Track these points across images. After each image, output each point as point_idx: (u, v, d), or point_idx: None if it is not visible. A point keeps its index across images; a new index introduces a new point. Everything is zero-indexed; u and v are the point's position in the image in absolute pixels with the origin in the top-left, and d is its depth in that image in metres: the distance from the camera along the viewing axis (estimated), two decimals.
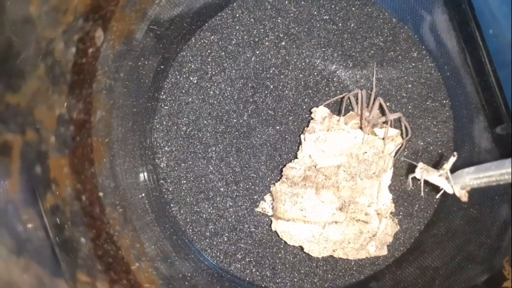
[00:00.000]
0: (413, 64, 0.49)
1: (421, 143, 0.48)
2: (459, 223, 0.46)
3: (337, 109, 0.47)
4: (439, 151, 0.49)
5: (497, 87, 0.46)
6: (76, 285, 0.24)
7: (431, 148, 0.49)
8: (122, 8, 0.31)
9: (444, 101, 0.49)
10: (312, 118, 0.45)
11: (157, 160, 0.46)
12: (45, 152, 0.25)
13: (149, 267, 0.35)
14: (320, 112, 0.44)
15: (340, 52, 0.48)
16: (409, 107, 0.48)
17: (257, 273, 0.47)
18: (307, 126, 0.45)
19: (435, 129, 0.49)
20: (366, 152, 0.42)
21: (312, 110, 0.45)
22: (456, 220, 0.47)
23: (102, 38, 0.30)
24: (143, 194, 0.45)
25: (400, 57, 0.48)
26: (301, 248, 0.44)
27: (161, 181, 0.46)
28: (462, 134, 0.48)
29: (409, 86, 0.48)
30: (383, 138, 0.43)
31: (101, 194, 0.30)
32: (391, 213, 0.46)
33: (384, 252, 0.45)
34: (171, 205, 0.46)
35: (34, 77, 0.24)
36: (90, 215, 0.28)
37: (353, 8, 0.48)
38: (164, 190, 0.46)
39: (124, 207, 0.35)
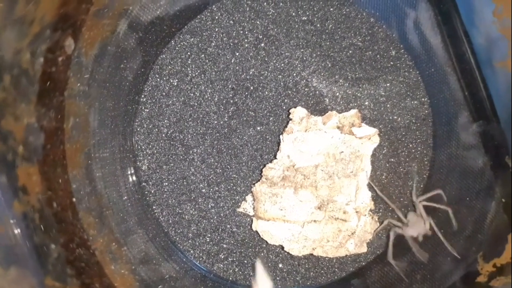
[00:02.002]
0: (392, 62, 0.49)
1: (400, 141, 0.49)
2: (438, 219, 0.47)
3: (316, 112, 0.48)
4: (418, 148, 0.49)
5: (482, 84, 0.46)
6: None
7: (410, 145, 0.49)
8: (94, 16, 0.32)
9: (423, 99, 0.49)
10: (290, 119, 0.45)
11: (138, 163, 0.47)
12: (12, 161, 0.25)
13: (126, 269, 0.36)
14: (298, 112, 0.45)
15: (318, 53, 0.48)
16: (388, 105, 0.49)
17: (240, 272, 0.47)
18: (286, 127, 0.45)
19: (414, 127, 0.49)
20: (343, 152, 0.43)
21: (290, 111, 0.46)
22: (436, 216, 0.48)
23: (72, 46, 0.31)
24: (125, 197, 0.45)
25: (378, 56, 0.49)
26: (282, 247, 0.45)
27: (143, 184, 0.47)
28: (447, 130, 0.49)
29: (388, 84, 0.49)
30: (360, 138, 0.44)
31: (74, 199, 0.30)
32: (370, 210, 0.46)
33: (364, 249, 0.45)
34: (153, 207, 0.47)
35: None
36: (62, 221, 0.29)
37: (331, 9, 0.48)
38: (146, 192, 0.47)
39: (102, 212, 0.35)
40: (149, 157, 0.47)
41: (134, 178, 0.45)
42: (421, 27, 0.49)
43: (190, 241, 0.47)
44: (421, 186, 0.50)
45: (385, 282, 0.47)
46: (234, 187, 0.48)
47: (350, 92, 0.49)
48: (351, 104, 0.49)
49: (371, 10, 0.49)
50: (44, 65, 0.28)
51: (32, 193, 0.27)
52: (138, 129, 0.47)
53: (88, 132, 0.35)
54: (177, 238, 0.47)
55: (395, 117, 0.49)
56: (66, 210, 0.30)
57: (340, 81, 0.49)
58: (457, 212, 0.46)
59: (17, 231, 0.23)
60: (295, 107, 0.46)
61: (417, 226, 0.44)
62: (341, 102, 0.49)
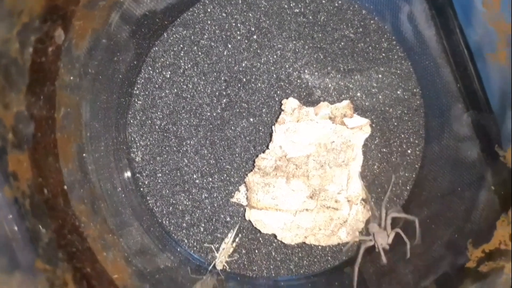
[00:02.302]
0: (383, 54, 0.50)
1: (392, 132, 0.49)
2: (430, 208, 0.48)
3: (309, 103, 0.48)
4: (410, 139, 0.50)
5: (475, 76, 0.47)
6: (35, 274, 0.26)
7: (402, 136, 0.50)
8: (84, 7, 0.32)
9: (414, 90, 0.50)
10: (282, 110, 0.46)
11: (132, 155, 0.47)
12: (3, 148, 0.26)
13: (118, 257, 0.36)
14: (290, 103, 0.45)
15: (311, 45, 0.49)
16: (380, 97, 0.49)
17: (234, 261, 0.48)
18: (279, 118, 0.46)
19: (406, 118, 0.50)
20: (334, 142, 0.44)
21: (282, 102, 0.46)
22: (427, 205, 0.48)
23: (63, 37, 0.31)
24: (119, 189, 0.46)
25: (370, 47, 0.49)
26: (274, 236, 0.45)
27: (137, 175, 0.47)
28: (441, 122, 0.49)
29: (380, 76, 0.49)
30: (352, 128, 0.44)
31: (65, 187, 0.31)
32: (362, 199, 0.47)
33: (356, 238, 0.46)
34: (147, 198, 0.48)
35: None
36: (53, 208, 0.30)
37: (323, 1, 0.49)
38: (140, 183, 0.47)
39: (95, 202, 0.36)
40: (142, 149, 0.48)
41: (128, 169, 0.46)
42: (415, 20, 0.49)
43: (184, 231, 0.47)
44: (413, 176, 0.50)
45: (378, 270, 0.47)
46: (227, 178, 0.48)
47: (342, 84, 0.49)
48: (343, 96, 0.49)
49: (365, 3, 0.49)
50: (34, 55, 0.29)
51: (22, 179, 0.27)
52: (132, 121, 0.48)
53: (81, 124, 0.35)
54: (172, 228, 0.47)
55: (387, 108, 0.49)
56: (57, 197, 0.30)
57: (332, 72, 0.49)
58: (449, 203, 0.46)
59: (9, 216, 0.24)
60: (287, 99, 0.46)
61: (378, 237, 0.44)
62: (333, 94, 0.49)
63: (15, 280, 0.24)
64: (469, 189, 0.46)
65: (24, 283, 0.24)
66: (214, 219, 0.48)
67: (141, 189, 0.47)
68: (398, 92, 0.50)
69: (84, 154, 0.36)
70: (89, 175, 0.36)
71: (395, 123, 0.50)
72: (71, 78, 0.33)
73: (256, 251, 0.48)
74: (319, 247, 0.49)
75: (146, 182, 0.48)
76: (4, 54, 0.26)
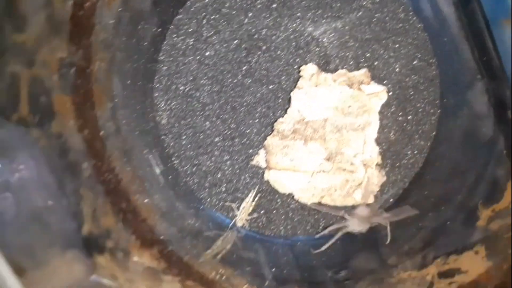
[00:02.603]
0: (400, 24, 0.51)
1: (408, 101, 0.50)
2: (444, 172, 0.49)
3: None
4: (426, 107, 0.51)
5: (491, 43, 0.47)
6: (79, 200, 0.28)
7: (418, 105, 0.51)
8: None
9: (430, 60, 0.51)
10: (301, 76, 0.48)
11: (157, 118, 0.50)
12: (50, 88, 0.29)
13: (149, 200, 0.39)
14: (309, 69, 0.47)
15: (329, 14, 0.50)
16: (396, 66, 0.51)
17: (253, 220, 0.51)
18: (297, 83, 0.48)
19: (422, 87, 0.51)
20: (351, 106, 0.45)
21: (301, 68, 0.48)
22: (441, 170, 0.50)
23: None
24: (147, 149, 0.48)
25: (387, 18, 0.51)
26: (292, 196, 0.48)
27: (163, 137, 0.50)
28: (459, 99, 0.50)
29: (397, 46, 0.51)
30: (368, 94, 0.46)
31: (102, 133, 0.33)
32: (377, 164, 0.49)
33: (371, 200, 0.48)
34: (173, 158, 0.50)
35: (36, 22, 0.28)
36: (92, 147, 0.32)
37: None
38: (165, 145, 0.50)
39: (125, 152, 0.38)
40: (167, 112, 0.50)
41: (154, 131, 0.48)
42: None
43: (207, 190, 0.50)
44: (428, 144, 0.51)
45: (392, 231, 0.49)
46: (247, 142, 0.51)
47: (359, 53, 0.51)
48: (360, 64, 0.51)
49: None
50: (73, 8, 0.31)
51: (66, 118, 0.30)
52: (157, 86, 0.50)
53: (111, 81, 0.38)
54: (195, 187, 0.50)
55: (404, 77, 0.51)
56: (95, 139, 0.33)
57: (350, 41, 0.50)
58: (462, 168, 0.48)
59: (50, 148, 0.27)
60: (306, 65, 0.48)
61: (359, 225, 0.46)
62: (351, 62, 0.51)
63: (64, 201, 0.26)
64: (482, 155, 0.47)
65: (71, 206, 0.27)
66: (234, 180, 0.51)
67: (167, 150, 0.50)
68: (415, 62, 0.51)
69: (114, 109, 0.38)
70: (121, 130, 0.39)
71: (411, 92, 0.51)
72: (104, 35, 0.35)
73: (274, 211, 0.50)
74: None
75: (171, 144, 0.50)
76: (50, 4, 0.29)
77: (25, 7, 0.25)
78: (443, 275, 0.37)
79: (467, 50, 0.48)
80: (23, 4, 0.25)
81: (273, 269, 0.48)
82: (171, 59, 0.50)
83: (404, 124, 0.51)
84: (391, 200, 0.51)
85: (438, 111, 0.51)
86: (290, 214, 0.51)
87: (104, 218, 0.31)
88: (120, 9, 0.36)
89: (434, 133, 0.51)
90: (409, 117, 0.51)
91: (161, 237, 0.36)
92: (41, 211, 0.28)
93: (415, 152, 0.51)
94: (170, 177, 0.48)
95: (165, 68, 0.50)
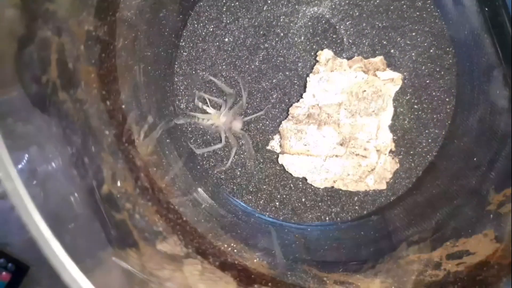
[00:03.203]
0: (418, 13, 0.51)
1: (424, 89, 0.51)
2: (457, 162, 0.49)
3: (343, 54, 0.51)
4: (442, 96, 0.51)
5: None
6: (101, 163, 0.30)
7: (434, 93, 0.51)
8: None
9: (447, 49, 0.51)
10: (317, 61, 0.49)
11: (177, 102, 0.52)
12: (76, 56, 0.30)
13: (167, 177, 0.41)
14: (325, 54, 0.48)
15: (347, 1, 0.51)
16: (413, 54, 0.51)
17: (265, 204, 0.52)
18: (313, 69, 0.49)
19: (438, 76, 0.51)
20: (365, 91, 0.46)
21: (317, 53, 0.49)
22: (455, 159, 0.50)
23: None
24: (165, 134, 0.50)
25: (405, 6, 0.51)
26: (305, 180, 0.49)
27: (181, 121, 0.52)
28: (475, 89, 0.50)
29: (413, 34, 0.51)
30: (383, 80, 0.46)
31: (123, 106, 0.35)
32: (391, 151, 0.49)
33: (383, 186, 0.48)
34: (190, 142, 0.52)
35: None
36: (114, 117, 0.34)
37: None
38: (183, 129, 0.52)
39: (145, 129, 0.40)
40: (187, 97, 0.52)
41: (173, 116, 0.50)
42: None
43: (223, 174, 0.51)
44: (443, 133, 0.52)
45: (401, 219, 0.49)
46: (263, 127, 0.52)
47: (376, 40, 0.51)
48: (377, 52, 0.51)
49: None
50: None
51: (90, 87, 0.32)
52: (178, 71, 0.52)
53: (134, 60, 0.40)
54: (210, 171, 0.51)
55: (420, 65, 0.51)
56: (117, 111, 0.35)
57: (367, 29, 0.51)
58: (475, 156, 0.48)
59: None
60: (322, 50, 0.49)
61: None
62: (367, 49, 0.51)
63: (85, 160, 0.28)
64: (496, 144, 0.47)
65: (91, 166, 0.28)
66: (248, 164, 0.52)
67: (185, 134, 0.51)
68: (431, 51, 0.51)
69: (137, 89, 0.40)
70: (142, 108, 0.40)
71: (427, 81, 0.51)
72: (128, 15, 0.37)
73: (287, 195, 0.51)
74: (348, 196, 0.51)
75: (190, 129, 0.52)
76: None
77: None
78: (451, 256, 0.37)
79: (487, 38, 0.48)
80: None
81: (285, 251, 0.49)
82: (191, 45, 0.52)
83: (419, 112, 0.51)
84: (404, 188, 0.51)
85: (454, 100, 0.51)
86: (303, 200, 0.52)
87: (123, 182, 0.32)
88: None
89: (448, 122, 0.51)
90: (424, 105, 0.51)
91: (176, 208, 0.38)
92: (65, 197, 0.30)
93: (430, 140, 0.52)
94: (187, 159, 0.49)
95: (185, 53, 0.52)
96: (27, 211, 0.18)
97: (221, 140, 0.49)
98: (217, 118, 0.48)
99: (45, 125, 0.26)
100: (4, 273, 0.50)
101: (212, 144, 0.50)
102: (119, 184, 0.30)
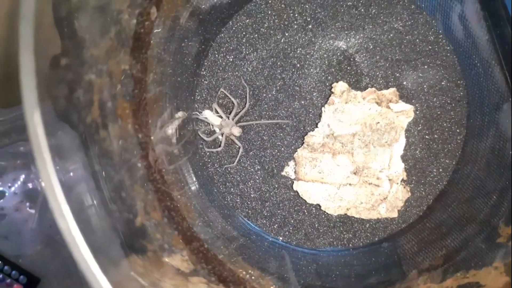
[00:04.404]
0: (430, 47, 0.53)
1: (435, 120, 0.52)
2: (467, 192, 0.51)
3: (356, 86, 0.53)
4: (452, 127, 0.53)
5: None
6: (133, 195, 0.32)
7: (445, 124, 0.53)
8: None
9: (458, 82, 0.53)
10: (332, 92, 0.51)
11: (196, 127, 0.54)
12: (114, 94, 0.33)
13: (188, 202, 0.42)
14: (340, 86, 0.50)
15: (362, 35, 0.53)
16: (425, 86, 0.53)
17: (279, 229, 0.53)
18: (328, 100, 0.51)
19: (449, 107, 0.53)
20: (379, 123, 0.48)
21: (332, 85, 0.51)
22: (465, 188, 0.51)
23: (155, 14, 0.38)
24: (185, 157, 0.52)
25: (417, 40, 0.53)
26: (319, 206, 0.50)
27: (200, 145, 0.54)
28: (486, 120, 0.52)
29: (425, 67, 0.53)
30: (396, 112, 0.48)
31: (152, 138, 0.37)
32: (402, 180, 0.51)
33: (395, 214, 0.50)
34: (208, 166, 0.54)
35: (108, 38, 0.32)
36: (144, 149, 0.36)
37: None
38: (202, 153, 0.54)
39: (169, 156, 0.42)
40: (206, 123, 0.54)
41: (193, 140, 0.52)
42: (466, 19, 0.52)
43: (238, 198, 0.53)
44: (453, 163, 0.53)
45: (414, 246, 0.51)
46: (278, 153, 0.54)
47: (389, 72, 0.53)
48: (390, 84, 0.53)
49: (417, 2, 0.52)
50: (136, 26, 0.35)
51: (125, 122, 0.34)
52: (198, 98, 0.54)
53: (162, 92, 0.42)
54: (226, 195, 0.53)
55: (431, 97, 0.53)
56: (147, 144, 0.37)
57: (381, 61, 0.53)
58: (485, 187, 0.49)
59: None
60: (337, 82, 0.51)
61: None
62: (380, 81, 0.53)
63: (123, 194, 0.30)
64: (506, 175, 0.48)
65: (127, 198, 0.30)
66: (264, 189, 0.54)
67: (203, 159, 0.53)
68: (443, 83, 0.53)
69: (162, 116, 0.42)
70: (168, 136, 0.43)
71: (438, 112, 0.53)
72: (158, 51, 0.39)
73: (301, 221, 0.53)
74: (360, 223, 0.53)
75: (208, 153, 0.54)
76: (119, 22, 0.33)
77: (101, 25, 0.30)
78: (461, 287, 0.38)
79: (497, 71, 0.50)
80: (100, 23, 0.29)
81: (297, 276, 0.50)
82: (212, 73, 0.54)
83: (430, 143, 0.53)
84: (415, 216, 0.53)
85: (464, 131, 0.53)
86: (316, 225, 0.53)
87: (153, 213, 0.34)
88: (171, 27, 0.40)
89: (459, 152, 0.53)
90: (435, 136, 0.53)
91: (199, 235, 0.39)
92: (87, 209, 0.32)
93: (440, 170, 0.53)
94: (204, 184, 0.51)
95: (206, 82, 0.54)
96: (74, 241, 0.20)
97: (220, 145, 0.52)
98: (221, 125, 0.51)
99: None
100: (15, 285, 0.52)
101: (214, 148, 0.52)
102: (150, 215, 0.32)
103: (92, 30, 0.29)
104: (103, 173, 0.29)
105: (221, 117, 0.52)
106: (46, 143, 0.19)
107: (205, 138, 0.51)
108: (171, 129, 0.41)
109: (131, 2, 0.33)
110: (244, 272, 0.40)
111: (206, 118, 0.52)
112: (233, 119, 0.51)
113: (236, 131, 0.51)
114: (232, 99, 0.52)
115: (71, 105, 0.27)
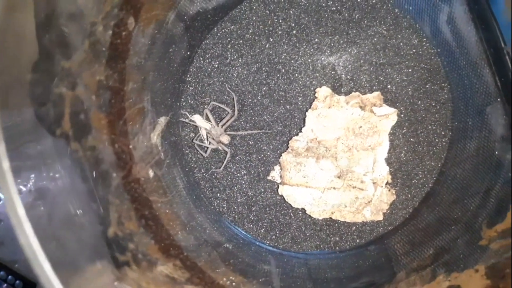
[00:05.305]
0: (414, 50, 0.53)
1: (420, 123, 0.53)
2: (452, 194, 0.51)
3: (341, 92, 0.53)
4: (437, 130, 0.53)
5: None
6: (107, 206, 0.32)
7: (430, 127, 0.53)
8: (151, 1, 0.39)
9: (443, 84, 0.53)
10: (316, 97, 0.51)
11: (182, 133, 0.54)
12: (89, 106, 0.33)
13: (170, 210, 0.43)
14: (323, 91, 0.50)
15: (345, 40, 0.54)
16: (409, 89, 0.53)
17: (266, 233, 0.54)
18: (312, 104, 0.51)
19: (434, 110, 0.53)
20: (361, 127, 0.48)
21: (316, 90, 0.51)
22: (451, 190, 0.51)
23: (133, 24, 0.38)
24: (171, 163, 0.53)
25: (401, 44, 0.53)
26: (304, 211, 0.50)
27: (186, 151, 0.54)
28: (471, 122, 0.52)
29: (410, 70, 0.53)
30: (379, 116, 0.49)
31: (131, 146, 0.38)
32: (387, 183, 0.51)
33: (380, 217, 0.50)
34: (195, 171, 0.54)
35: (81, 50, 0.32)
36: (122, 159, 0.36)
37: (358, 0, 0.53)
38: (188, 159, 0.54)
39: (152, 163, 0.42)
40: (191, 128, 0.54)
41: (178, 145, 0.52)
42: (454, 21, 0.52)
43: (225, 202, 0.54)
44: (438, 165, 0.53)
45: (397, 250, 0.51)
46: (264, 158, 0.54)
47: (373, 76, 0.54)
48: (374, 87, 0.53)
49: (403, 4, 0.52)
50: (112, 37, 0.36)
51: (100, 133, 0.34)
52: (184, 104, 0.54)
53: (143, 100, 0.42)
54: (213, 200, 0.54)
55: (416, 100, 0.53)
56: (124, 153, 0.37)
57: (365, 65, 0.53)
58: (469, 190, 0.49)
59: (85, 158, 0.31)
60: (320, 87, 0.51)
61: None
62: (365, 85, 0.54)
63: (94, 206, 0.31)
64: (490, 176, 0.48)
65: (99, 210, 0.31)
66: (250, 194, 0.54)
67: (189, 164, 0.54)
68: (427, 86, 0.53)
69: (143, 124, 0.43)
70: (149, 142, 0.43)
71: (423, 115, 0.53)
72: (137, 59, 0.40)
73: (287, 225, 0.53)
74: (346, 226, 0.53)
75: (194, 159, 0.54)
76: (93, 34, 0.33)
77: (73, 37, 0.30)
78: None
79: (486, 72, 0.50)
80: (72, 35, 0.30)
81: (285, 279, 0.50)
82: (197, 80, 0.55)
83: (416, 145, 0.53)
84: (402, 218, 0.53)
85: (449, 134, 0.53)
86: (303, 229, 0.53)
87: (128, 223, 0.34)
88: (153, 34, 0.41)
89: (444, 154, 0.53)
90: (421, 139, 0.53)
91: (178, 243, 0.40)
92: (72, 217, 0.32)
93: (426, 172, 0.53)
94: (191, 189, 0.51)
95: (191, 88, 0.55)
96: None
97: (206, 151, 0.53)
98: (210, 131, 0.52)
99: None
100: None
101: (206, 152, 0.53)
102: (124, 226, 0.33)
103: (63, 44, 0.29)
104: (75, 184, 0.29)
105: (209, 122, 0.52)
106: (8, 164, 0.20)
107: (203, 154, 0.52)
108: (154, 135, 0.41)
109: (106, 14, 0.33)
110: (224, 279, 0.40)
111: (194, 122, 0.52)
112: (222, 127, 0.52)
113: (225, 139, 0.51)
114: (227, 109, 0.52)
115: (40, 119, 0.27)
